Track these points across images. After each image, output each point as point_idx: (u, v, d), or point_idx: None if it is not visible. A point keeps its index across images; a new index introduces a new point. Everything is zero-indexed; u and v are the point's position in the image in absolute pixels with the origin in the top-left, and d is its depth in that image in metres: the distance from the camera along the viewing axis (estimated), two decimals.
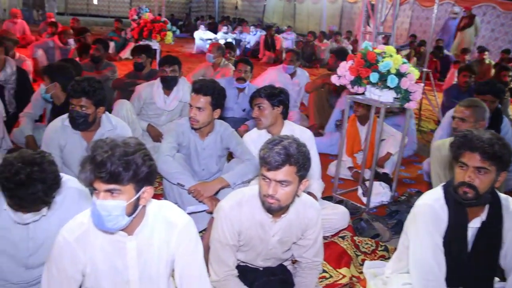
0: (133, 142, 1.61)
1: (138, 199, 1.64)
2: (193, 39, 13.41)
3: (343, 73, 3.48)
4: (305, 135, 3.14)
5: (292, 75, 5.91)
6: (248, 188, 2.25)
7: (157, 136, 4.15)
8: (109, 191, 1.56)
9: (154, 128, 4.17)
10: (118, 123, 3.03)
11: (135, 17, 6.57)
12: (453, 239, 2.07)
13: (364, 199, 3.75)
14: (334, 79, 3.58)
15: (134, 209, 1.65)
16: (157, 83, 4.15)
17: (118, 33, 10.66)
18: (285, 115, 3.18)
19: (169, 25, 6.41)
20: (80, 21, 11.56)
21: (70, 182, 2.07)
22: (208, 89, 2.91)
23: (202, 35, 13.08)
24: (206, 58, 5.93)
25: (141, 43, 6.37)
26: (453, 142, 2.03)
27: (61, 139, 2.91)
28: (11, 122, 4.41)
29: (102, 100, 2.86)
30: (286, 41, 13.08)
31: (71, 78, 3.29)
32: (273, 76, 5.96)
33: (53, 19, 11.43)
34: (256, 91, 3.15)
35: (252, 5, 27.23)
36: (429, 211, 2.08)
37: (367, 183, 3.87)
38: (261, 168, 1.91)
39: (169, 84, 4.08)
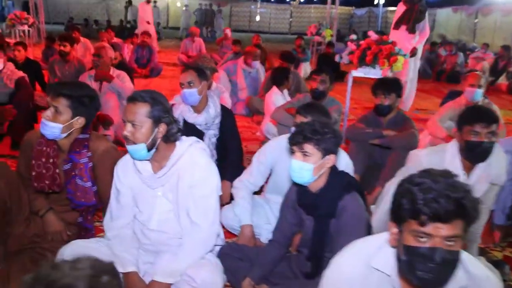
0: None
1: None
2: None
3: None
4: None
5: None
6: None
7: None
8: None
9: None
10: None
11: (353, 37, 5.03)
12: None
13: None
14: None
15: None
16: (452, 148, 2.48)
17: (299, 51, 9.40)
18: None
19: (396, 47, 4.77)
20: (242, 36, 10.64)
21: None
22: None
23: None
24: (468, 96, 3.97)
25: (358, 69, 4.89)
26: None
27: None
28: None
29: None
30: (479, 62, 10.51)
31: None
32: None
33: (227, 33, 10.64)
34: None
35: None
36: None
37: None
38: None
39: (481, 157, 2.37)
